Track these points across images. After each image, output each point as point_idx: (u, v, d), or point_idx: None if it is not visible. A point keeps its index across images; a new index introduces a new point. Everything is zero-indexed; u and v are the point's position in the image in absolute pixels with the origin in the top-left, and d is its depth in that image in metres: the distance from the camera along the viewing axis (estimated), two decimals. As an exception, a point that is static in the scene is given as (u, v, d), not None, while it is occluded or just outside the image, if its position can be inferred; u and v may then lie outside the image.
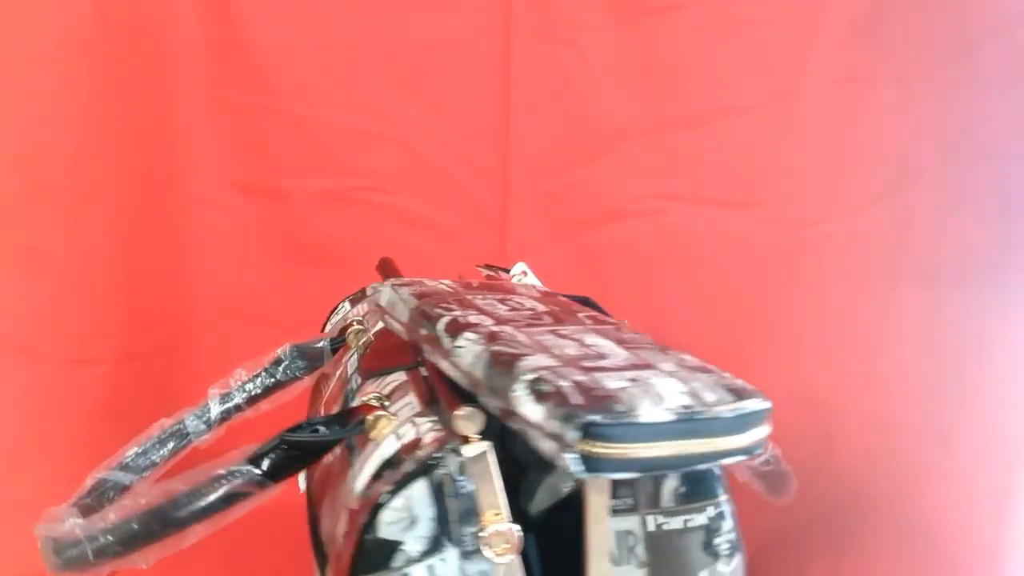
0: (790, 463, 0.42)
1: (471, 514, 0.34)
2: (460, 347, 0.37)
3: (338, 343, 0.53)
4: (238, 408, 0.51)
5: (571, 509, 0.37)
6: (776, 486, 0.42)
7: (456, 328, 0.39)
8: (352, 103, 0.74)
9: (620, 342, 0.38)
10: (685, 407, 0.31)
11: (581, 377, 0.33)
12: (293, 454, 0.37)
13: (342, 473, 0.40)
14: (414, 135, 0.74)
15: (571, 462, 0.30)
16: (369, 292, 0.60)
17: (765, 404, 0.33)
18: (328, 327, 0.60)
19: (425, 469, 0.35)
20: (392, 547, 0.34)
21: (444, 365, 0.38)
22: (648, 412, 0.30)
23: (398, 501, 0.34)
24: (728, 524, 0.39)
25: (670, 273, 0.69)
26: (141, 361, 0.73)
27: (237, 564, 0.65)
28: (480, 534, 0.33)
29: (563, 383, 0.32)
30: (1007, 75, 0.52)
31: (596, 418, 0.29)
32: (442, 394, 0.38)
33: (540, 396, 0.32)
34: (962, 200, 0.55)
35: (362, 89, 0.74)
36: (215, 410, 0.50)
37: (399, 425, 0.38)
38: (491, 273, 0.58)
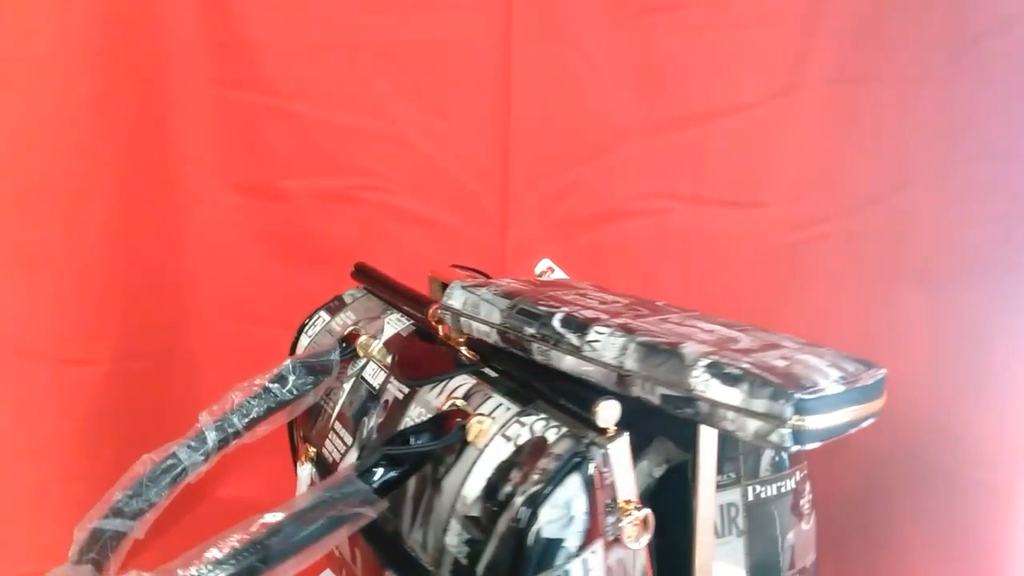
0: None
1: (612, 504, 0.35)
2: (595, 341, 0.38)
3: (347, 354, 0.52)
4: (236, 434, 0.48)
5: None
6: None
7: (578, 323, 0.39)
8: (351, 103, 0.74)
9: (728, 326, 0.40)
10: (842, 378, 0.33)
11: (749, 358, 0.34)
12: (397, 468, 0.37)
13: (427, 484, 0.40)
14: (414, 135, 0.74)
15: (786, 438, 0.32)
16: (348, 300, 0.59)
17: (883, 371, 0.36)
18: (304, 338, 0.59)
19: (575, 464, 0.35)
20: (556, 545, 0.34)
21: (568, 362, 0.38)
22: (827, 385, 0.33)
23: (556, 498, 0.34)
24: (808, 485, 0.43)
25: (670, 273, 0.69)
26: (139, 361, 0.73)
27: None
28: (620, 523, 0.35)
29: (743, 365, 0.33)
30: (1007, 74, 0.52)
31: (802, 395, 0.31)
32: (556, 390, 0.38)
33: (730, 379, 0.33)
34: (962, 200, 0.55)
35: (362, 89, 0.74)
36: (212, 439, 0.47)
37: (503, 427, 0.38)
38: (470, 274, 0.58)
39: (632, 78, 0.67)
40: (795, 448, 0.32)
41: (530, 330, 0.40)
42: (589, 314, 0.40)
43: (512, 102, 0.71)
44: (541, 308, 0.41)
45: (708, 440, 0.37)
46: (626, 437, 0.35)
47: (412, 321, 0.53)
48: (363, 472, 0.37)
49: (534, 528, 0.34)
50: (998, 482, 0.51)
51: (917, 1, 0.56)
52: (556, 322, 0.40)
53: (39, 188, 0.65)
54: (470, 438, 0.39)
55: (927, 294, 0.55)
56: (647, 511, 0.35)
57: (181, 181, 0.76)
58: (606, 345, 0.37)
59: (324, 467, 0.51)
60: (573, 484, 0.34)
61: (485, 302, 0.43)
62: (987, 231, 0.53)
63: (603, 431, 0.35)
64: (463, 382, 0.44)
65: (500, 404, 0.40)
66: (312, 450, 0.53)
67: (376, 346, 0.52)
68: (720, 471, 0.38)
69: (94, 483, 0.69)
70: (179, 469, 0.46)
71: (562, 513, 0.34)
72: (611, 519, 0.35)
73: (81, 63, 0.66)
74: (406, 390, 0.46)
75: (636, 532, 0.35)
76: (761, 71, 0.63)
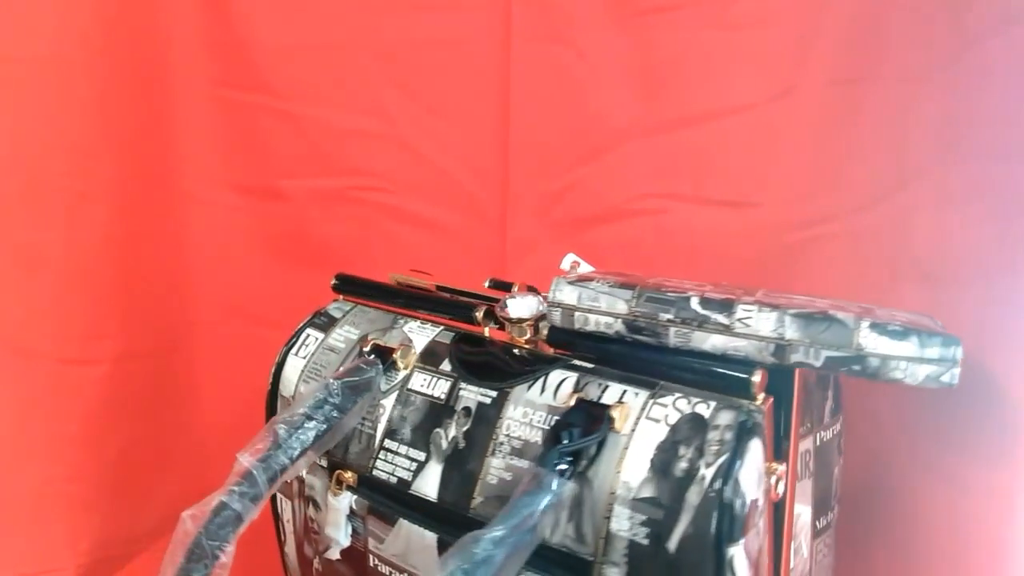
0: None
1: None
2: (746, 318, 0.41)
3: (388, 368, 0.51)
4: (283, 468, 0.45)
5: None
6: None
7: (720, 304, 0.42)
8: (352, 103, 0.74)
9: (812, 296, 0.45)
10: (941, 326, 0.41)
11: (888, 317, 0.40)
12: (572, 464, 0.40)
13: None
14: (414, 135, 0.74)
15: (955, 376, 0.39)
16: (338, 315, 0.57)
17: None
18: (296, 360, 0.56)
19: (748, 429, 0.38)
20: (754, 505, 0.38)
21: (715, 341, 0.42)
22: (947, 332, 0.40)
23: (747, 463, 0.38)
24: (844, 425, 0.49)
25: (671, 273, 0.69)
26: (139, 361, 0.73)
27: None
28: (770, 479, 0.39)
29: (897, 323, 0.40)
30: (1007, 74, 0.52)
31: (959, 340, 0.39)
32: (693, 368, 0.42)
33: (898, 334, 0.39)
34: (963, 199, 0.55)
35: (362, 89, 0.74)
36: (262, 480, 0.44)
37: (642, 411, 0.41)
38: (423, 275, 0.59)
39: (632, 78, 0.67)
40: (956, 384, 0.39)
41: (666, 315, 0.43)
42: (719, 295, 0.43)
43: (512, 102, 0.71)
44: (670, 294, 0.43)
45: (799, 399, 0.42)
46: (771, 401, 0.40)
47: (443, 326, 0.53)
48: (553, 466, 0.39)
49: (738, 493, 0.37)
50: (998, 482, 0.51)
51: (917, 1, 0.56)
52: (695, 305, 0.42)
53: (39, 188, 0.65)
54: (616, 426, 0.41)
55: (927, 294, 0.55)
56: (785, 465, 0.40)
57: (181, 181, 0.76)
58: (759, 320, 0.41)
59: (382, 490, 0.49)
60: (755, 448, 0.38)
61: (604, 294, 0.45)
62: (987, 231, 0.53)
63: (754, 398, 0.39)
64: (563, 376, 0.45)
65: (624, 390, 0.42)
66: (350, 476, 0.50)
67: (414, 356, 0.51)
68: (800, 423, 0.42)
69: (94, 483, 0.70)
70: (238, 518, 0.42)
71: (754, 476, 0.38)
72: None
73: (81, 63, 0.66)
74: (493, 393, 0.46)
75: (779, 484, 0.40)
76: (761, 71, 0.63)
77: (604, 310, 0.45)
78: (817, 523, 0.46)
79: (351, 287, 0.59)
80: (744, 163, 0.65)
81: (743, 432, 0.38)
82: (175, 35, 0.73)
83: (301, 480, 0.54)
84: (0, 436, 0.65)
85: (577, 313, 0.45)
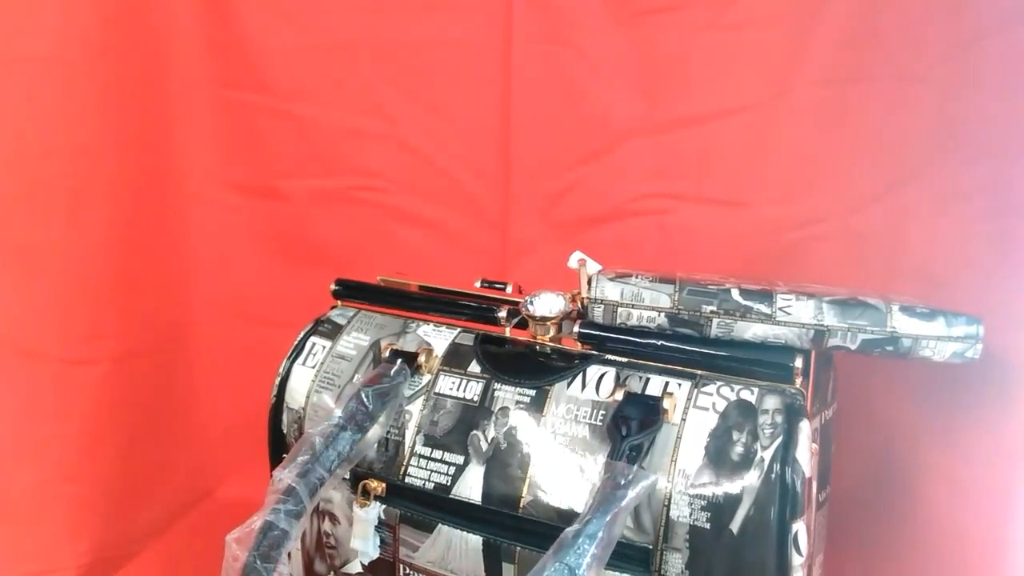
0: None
1: None
2: (787, 307, 0.43)
3: (415, 373, 0.50)
4: (322, 481, 0.44)
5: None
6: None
7: (760, 294, 0.44)
8: (352, 103, 0.74)
9: (830, 285, 0.47)
10: None
11: (908, 300, 0.43)
12: (637, 454, 0.41)
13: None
14: (414, 135, 0.74)
15: (979, 351, 0.42)
16: (342, 321, 0.56)
17: None
18: (305, 370, 0.54)
19: (797, 410, 0.41)
20: (810, 482, 0.40)
21: (756, 330, 0.43)
22: None
23: (801, 443, 0.40)
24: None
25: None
26: (139, 361, 0.73)
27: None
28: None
29: (920, 303, 0.42)
30: (1005, 74, 0.52)
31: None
32: (729, 356, 0.44)
33: (926, 316, 0.42)
34: (960, 199, 0.55)
35: (362, 89, 0.74)
36: (304, 494, 0.42)
37: (689, 400, 0.43)
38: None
39: (632, 78, 0.67)
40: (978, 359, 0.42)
41: (709, 308, 0.44)
42: (755, 286, 0.44)
43: (513, 102, 0.71)
44: (711, 286, 0.44)
45: (813, 381, 0.44)
46: (806, 383, 0.42)
47: (460, 328, 0.52)
48: (629, 458, 0.40)
49: (797, 472, 0.39)
50: (997, 482, 0.51)
51: (915, 2, 0.56)
52: (737, 295, 0.44)
53: (40, 188, 0.65)
54: (668, 417, 0.42)
55: (923, 292, 0.55)
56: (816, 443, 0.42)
57: (181, 181, 0.76)
58: (799, 308, 0.43)
59: (417, 497, 0.48)
60: (805, 428, 0.40)
61: (647, 290, 0.46)
62: (984, 230, 0.54)
63: (794, 381, 0.42)
64: (601, 370, 0.46)
65: (667, 382, 0.44)
66: (378, 485, 0.48)
67: (436, 359, 0.51)
68: (812, 403, 0.44)
69: (94, 483, 0.70)
70: (285, 536, 0.41)
71: (807, 455, 0.40)
72: None
73: (81, 63, 0.66)
74: (531, 392, 0.47)
75: (814, 461, 0.41)
76: (761, 71, 0.63)
77: (648, 305, 0.45)
78: (819, 497, 0.48)
79: (353, 293, 0.58)
80: (744, 163, 0.65)
81: (792, 414, 0.40)
82: (175, 35, 0.73)
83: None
84: (0, 436, 0.65)
85: (620, 308, 0.46)
